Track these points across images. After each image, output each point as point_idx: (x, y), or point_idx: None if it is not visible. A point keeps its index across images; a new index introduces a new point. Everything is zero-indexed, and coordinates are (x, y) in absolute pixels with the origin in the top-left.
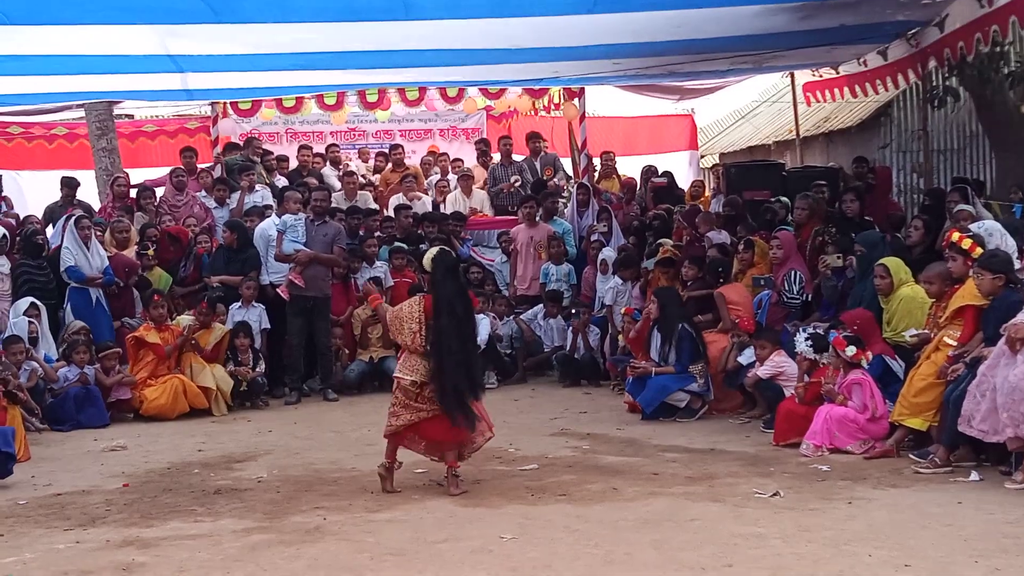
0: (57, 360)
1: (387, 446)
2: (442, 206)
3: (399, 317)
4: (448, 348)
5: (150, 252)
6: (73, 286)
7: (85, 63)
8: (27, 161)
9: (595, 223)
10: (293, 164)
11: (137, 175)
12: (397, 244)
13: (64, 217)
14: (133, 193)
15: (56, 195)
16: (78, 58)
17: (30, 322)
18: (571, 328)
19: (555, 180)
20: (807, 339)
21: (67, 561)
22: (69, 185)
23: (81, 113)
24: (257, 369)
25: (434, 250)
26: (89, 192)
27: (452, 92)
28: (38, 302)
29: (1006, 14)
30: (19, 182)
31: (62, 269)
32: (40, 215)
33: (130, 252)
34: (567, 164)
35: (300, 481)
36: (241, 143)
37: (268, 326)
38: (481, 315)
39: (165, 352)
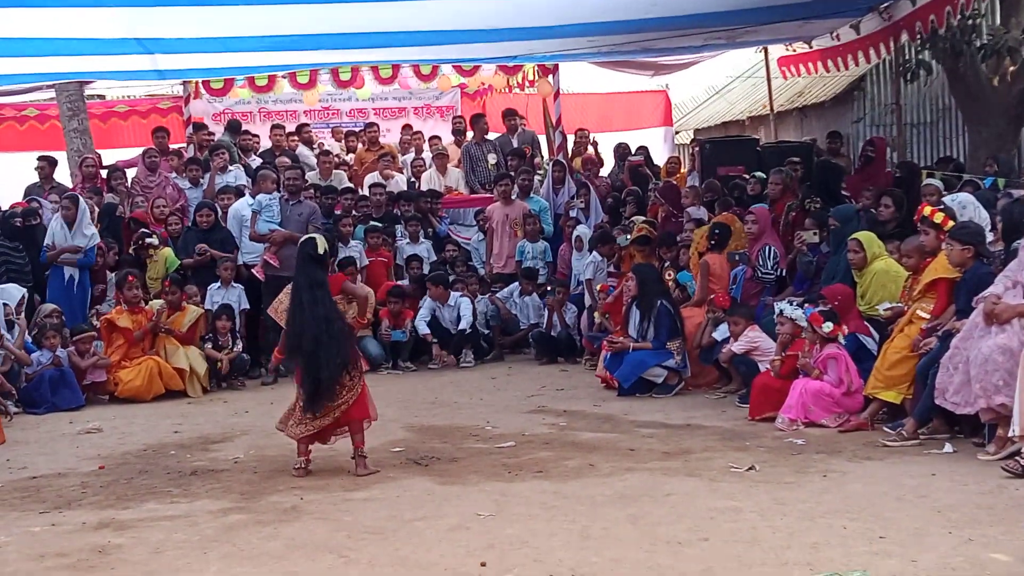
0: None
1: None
2: (417, 184)
3: None
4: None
5: (153, 239)
6: (54, 267)
7: (54, 45)
8: None
9: (573, 198)
10: (265, 144)
11: (109, 156)
12: (372, 223)
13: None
14: (104, 174)
15: (30, 176)
16: (46, 40)
17: (4, 305)
18: (547, 306)
19: (534, 160)
20: (797, 305)
21: (43, 544)
22: (48, 162)
23: (52, 94)
24: (234, 351)
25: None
26: (62, 173)
27: (426, 70)
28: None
29: None
30: None
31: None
32: (17, 196)
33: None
34: (542, 140)
35: (277, 461)
36: (213, 123)
37: (247, 307)
38: (464, 298)
39: (135, 337)
